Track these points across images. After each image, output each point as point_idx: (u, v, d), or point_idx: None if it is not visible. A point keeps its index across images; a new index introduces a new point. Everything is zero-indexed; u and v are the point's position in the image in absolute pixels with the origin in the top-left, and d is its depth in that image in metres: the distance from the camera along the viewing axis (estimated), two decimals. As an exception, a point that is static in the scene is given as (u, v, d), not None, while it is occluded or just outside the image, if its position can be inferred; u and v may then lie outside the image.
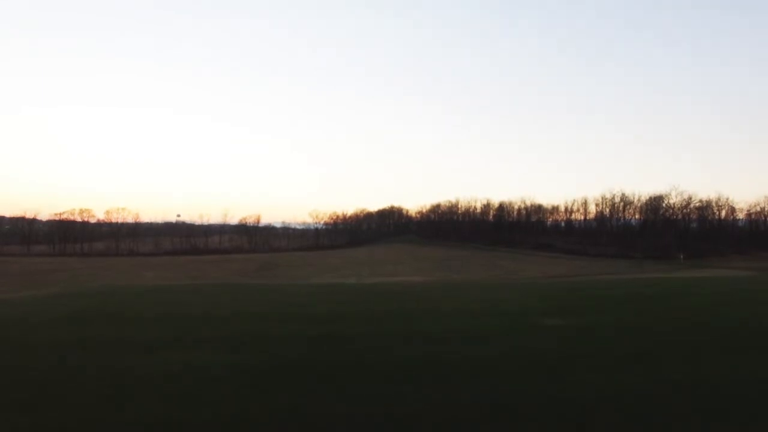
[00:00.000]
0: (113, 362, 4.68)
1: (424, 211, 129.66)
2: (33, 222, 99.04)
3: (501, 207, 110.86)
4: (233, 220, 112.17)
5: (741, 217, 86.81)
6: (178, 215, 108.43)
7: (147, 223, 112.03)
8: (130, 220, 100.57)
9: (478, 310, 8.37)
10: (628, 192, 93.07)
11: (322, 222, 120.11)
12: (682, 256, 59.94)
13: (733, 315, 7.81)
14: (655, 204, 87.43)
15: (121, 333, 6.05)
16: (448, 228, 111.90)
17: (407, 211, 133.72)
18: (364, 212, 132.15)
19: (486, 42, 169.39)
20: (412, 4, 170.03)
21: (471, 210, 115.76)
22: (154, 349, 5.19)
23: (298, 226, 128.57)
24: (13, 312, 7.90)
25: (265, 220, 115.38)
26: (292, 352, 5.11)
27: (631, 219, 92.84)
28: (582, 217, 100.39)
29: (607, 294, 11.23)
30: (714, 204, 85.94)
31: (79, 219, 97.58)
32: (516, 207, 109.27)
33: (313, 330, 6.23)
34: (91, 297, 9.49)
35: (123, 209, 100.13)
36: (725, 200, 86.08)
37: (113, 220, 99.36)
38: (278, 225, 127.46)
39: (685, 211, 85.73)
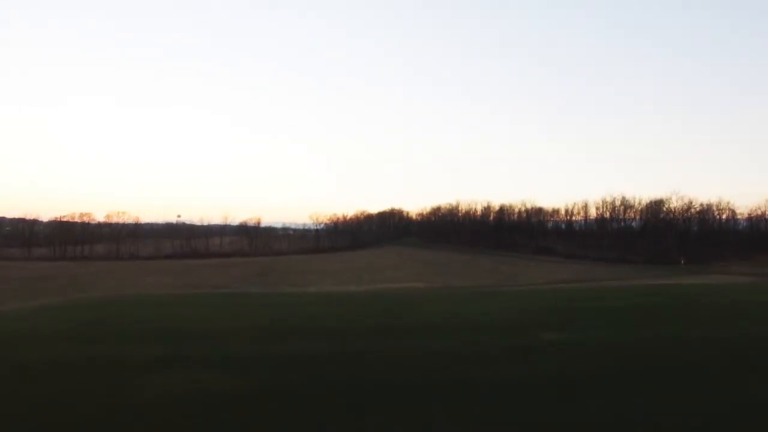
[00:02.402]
0: (114, 383, 4.70)
1: (424, 213, 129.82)
2: (33, 224, 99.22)
3: (501, 210, 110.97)
4: (234, 221, 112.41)
5: (742, 220, 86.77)
6: (179, 215, 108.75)
7: (147, 224, 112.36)
8: (130, 222, 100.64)
9: (478, 324, 8.38)
10: (629, 195, 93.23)
11: (322, 224, 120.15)
12: (682, 261, 59.90)
13: (740, 329, 7.79)
14: (655, 208, 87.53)
15: (122, 350, 6.06)
16: (449, 230, 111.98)
17: (408, 214, 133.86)
18: (365, 214, 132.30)
19: (485, 43, 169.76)
20: (409, 4, 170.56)
21: (471, 212, 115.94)
22: (155, 369, 5.20)
23: (298, 227, 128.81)
24: (12, 326, 7.91)
25: (265, 221, 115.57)
26: (291, 371, 5.14)
27: (631, 222, 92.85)
28: (582, 220, 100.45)
29: (606, 305, 11.23)
30: (715, 207, 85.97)
31: (79, 221, 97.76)
32: (516, 210, 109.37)
33: (312, 348, 6.24)
34: (92, 309, 9.50)
35: (123, 213, 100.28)
36: (726, 204, 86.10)
37: (114, 222, 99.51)
38: (279, 226, 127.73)
39: (685, 215, 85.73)
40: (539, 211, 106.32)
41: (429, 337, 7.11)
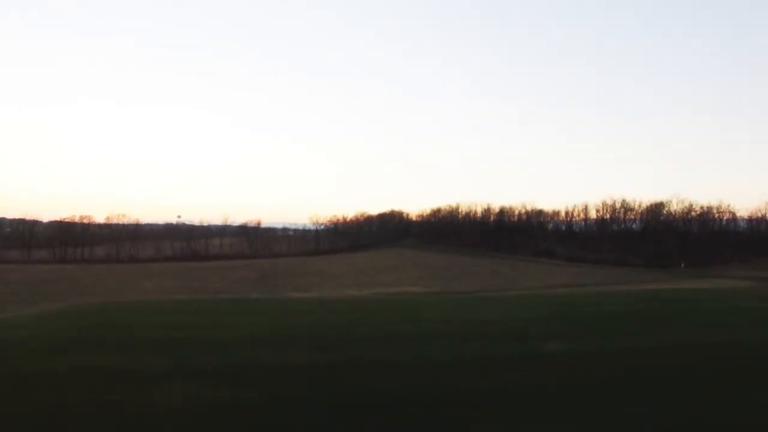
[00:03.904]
0: (112, 395, 4.70)
1: (424, 215, 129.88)
2: (34, 224, 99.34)
3: (502, 211, 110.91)
4: (234, 222, 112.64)
5: (742, 223, 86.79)
6: (179, 216, 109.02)
7: (147, 225, 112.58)
8: (130, 223, 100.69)
9: (478, 332, 8.37)
10: (629, 198, 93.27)
11: (322, 225, 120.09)
12: (683, 264, 59.92)
13: (744, 335, 7.78)
14: (655, 210, 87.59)
15: (121, 361, 6.05)
16: (449, 232, 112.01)
17: (408, 215, 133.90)
18: (365, 215, 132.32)
19: (484, 45, 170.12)
20: (407, 4, 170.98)
21: (472, 214, 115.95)
22: (154, 382, 5.19)
23: (298, 228, 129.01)
24: (10, 335, 7.92)
25: (265, 222, 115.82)
26: (291, 382, 5.15)
27: (632, 224, 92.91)
28: (582, 221, 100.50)
29: (608, 311, 11.21)
30: (715, 210, 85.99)
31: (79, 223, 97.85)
32: (517, 212, 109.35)
33: (312, 358, 6.24)
34: (91, 316, 9.49)
35: (123, 215, 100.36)
36: (726, 206, 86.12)
37: (114, 220, 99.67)
38: (279, 226, 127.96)
39: (686, 217, 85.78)
40: (539, 213, 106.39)
41: (429, 347, 7.11)
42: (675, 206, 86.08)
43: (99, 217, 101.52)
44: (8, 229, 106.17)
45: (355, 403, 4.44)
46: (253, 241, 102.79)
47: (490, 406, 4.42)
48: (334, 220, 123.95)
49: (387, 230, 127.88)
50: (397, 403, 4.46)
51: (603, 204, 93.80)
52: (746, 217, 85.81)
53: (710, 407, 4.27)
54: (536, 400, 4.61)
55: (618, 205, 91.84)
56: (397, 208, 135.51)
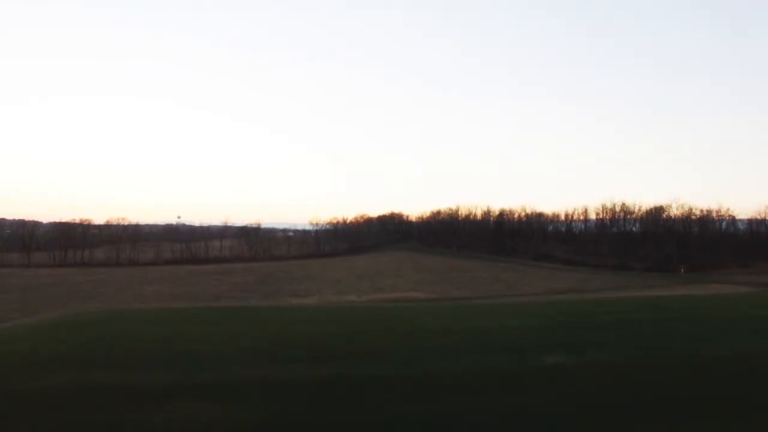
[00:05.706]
0: (112, 416, 4.69)
1: (424, 217, 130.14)
2: (34, 226, 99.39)
3: (501, 214, 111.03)
4: (234, 222, 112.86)
5: (741, 227, 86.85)
6: (179, 216, 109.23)
7: (147, 227, 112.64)
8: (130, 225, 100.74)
9: (479, 344, 8.38)
10: (629, 201, 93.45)
11: (323, 226, 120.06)
12: (682, 269, 59.90)
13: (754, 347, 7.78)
14: (655, 214, 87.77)
15: (120, 378, 6.05)
16: (449, 234, 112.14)
17: (408, 217, 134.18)
18: (365, 217, 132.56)
19: (487, 49, 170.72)
20: (405, 5, 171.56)
21: (471, 216, 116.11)
22: (154, 399, 5.19)
23: (298, 229, 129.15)
24: (8, 348, 7.92)
25: (266, 222, 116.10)
26: (293, 399, 5.16)
27: (632, 227, 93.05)
28: (583, 223, 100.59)
29: (607, 320, 11.20)
30: (714, 214, 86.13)
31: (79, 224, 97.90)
32: (516, 214, 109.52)
33: (313, 373, 6.24)
34: (90, 328, 9.48)
35: (123, 218, 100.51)
36: (726, 210, 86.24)
37: (114, 223, 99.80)
38: (279, 227, 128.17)
39: (686, 221, 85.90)
40: (539, 215, 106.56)
41: (429, 360, 7.10)
42: (675, 210, 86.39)
43: (99, 219, 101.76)
44: (8, 231, 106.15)
45: (356, 422, 4.44)
46: (253, 244, 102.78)
47: (490, 423, 4.42)
48: (334, 221, 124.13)
49: (387, 232, 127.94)
50: (397, 421, 4.46)
51: (603, 207, 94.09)
52: (746, 219, 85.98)
53: (711, 423, 4.27)
54: (536, 416, 4.60)
55: (618, 209, 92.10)
56: (397, 209, 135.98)
